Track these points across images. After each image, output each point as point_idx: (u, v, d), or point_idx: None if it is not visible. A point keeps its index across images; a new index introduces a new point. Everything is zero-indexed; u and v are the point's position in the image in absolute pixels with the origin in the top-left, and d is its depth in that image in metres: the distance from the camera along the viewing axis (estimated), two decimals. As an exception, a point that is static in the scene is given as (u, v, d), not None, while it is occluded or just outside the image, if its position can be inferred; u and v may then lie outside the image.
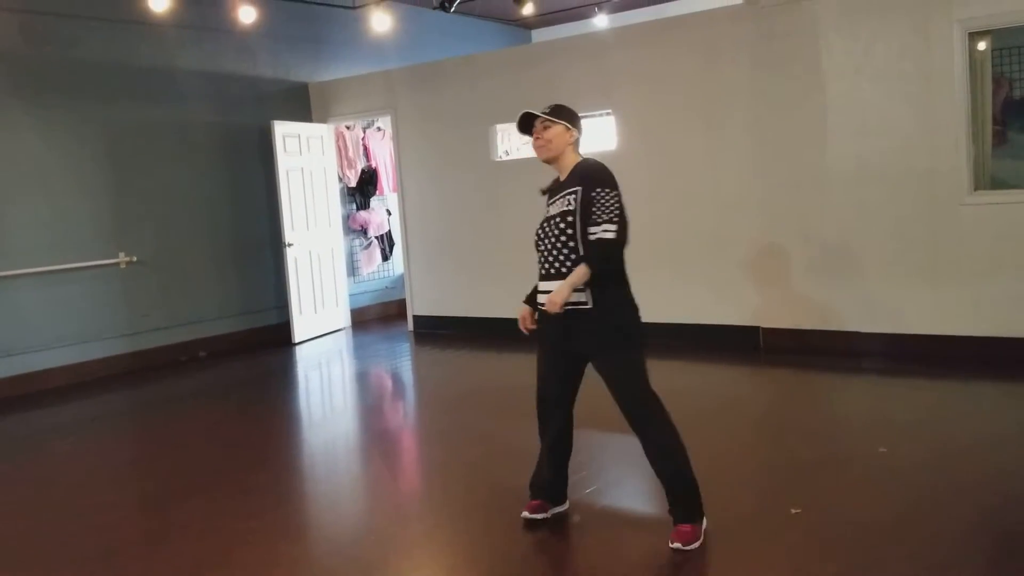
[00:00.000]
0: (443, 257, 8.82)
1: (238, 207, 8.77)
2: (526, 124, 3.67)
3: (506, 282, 8.23)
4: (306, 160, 9.05)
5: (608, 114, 7.80)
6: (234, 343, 8.63)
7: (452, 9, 8.74)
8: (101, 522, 4.15)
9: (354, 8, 9.47)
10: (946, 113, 6.09)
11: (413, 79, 8.91)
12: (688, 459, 3.49)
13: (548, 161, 3.60)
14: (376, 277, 10.25)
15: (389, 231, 10.19)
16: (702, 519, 3.49)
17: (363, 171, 9.84)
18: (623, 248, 3.45)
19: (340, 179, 9.64)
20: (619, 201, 3.42)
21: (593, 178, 3.45)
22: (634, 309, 3.54)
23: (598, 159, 3.62)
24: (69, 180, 7.42)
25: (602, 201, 3.38)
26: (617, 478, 4.34)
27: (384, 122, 9.80)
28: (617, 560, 3.40)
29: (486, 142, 8.44)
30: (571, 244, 3.43)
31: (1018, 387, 5.61)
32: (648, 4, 10.95)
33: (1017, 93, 6.30)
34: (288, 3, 8.98)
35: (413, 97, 8.88)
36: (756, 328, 7.04)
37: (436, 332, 8.85)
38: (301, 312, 8.89)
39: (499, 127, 8.47)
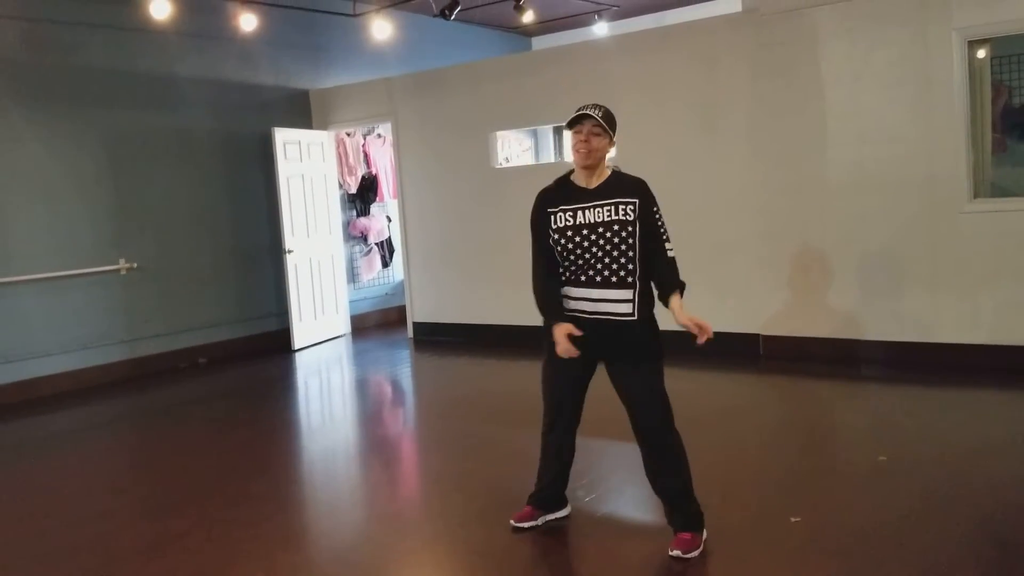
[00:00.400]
0: (443, 264, 8.82)
1: (238, 214, 8.78)
2: (574, 120, 3.55)
3: (506, 289, 8.24)
4: (306, 167, 9.07)
5: (608, 121, 7.80)
6: (234, 350, 8.63)
7: (452, 17, 8.76)
8: (100, 530, 4.15)
9: (355, 16, 9.50)
10: (945, 121, 6.10)
11: (413, 86, 8.93)
12: (690, 471, 3.51)
13: (585, 167, 3.53)
14: (376, 284, 10.25)
15: (389, 238, 10.20)
16: (703, 529, 3.49)
17: (363, 178, 9.85)
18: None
19: (340, 186, 9.65)
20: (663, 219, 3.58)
21: (648, 195, 3.54)
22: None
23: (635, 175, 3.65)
24: (70, 187, 7.43)
25: (662, 220, 3.53)
26: (617, 486, 4.33)
27: (384, 129, 9.82)
28: (617, 568, 3.40)
29: (486, 149, 8.45)
30: (629, 254, 3.43)
31: (1018, 395, 5.60)
32: (648, 12, 10.98)
33: (1016, 101, 6.31)
34: (289, 11, 9.00)
35: (413, 104, 8.90)
36: (756, 335, 7.04)
37: (436, 339, 8.85)
38: (301, 319, 8.89)
39: (499, 134, 8.48)
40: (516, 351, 7.66)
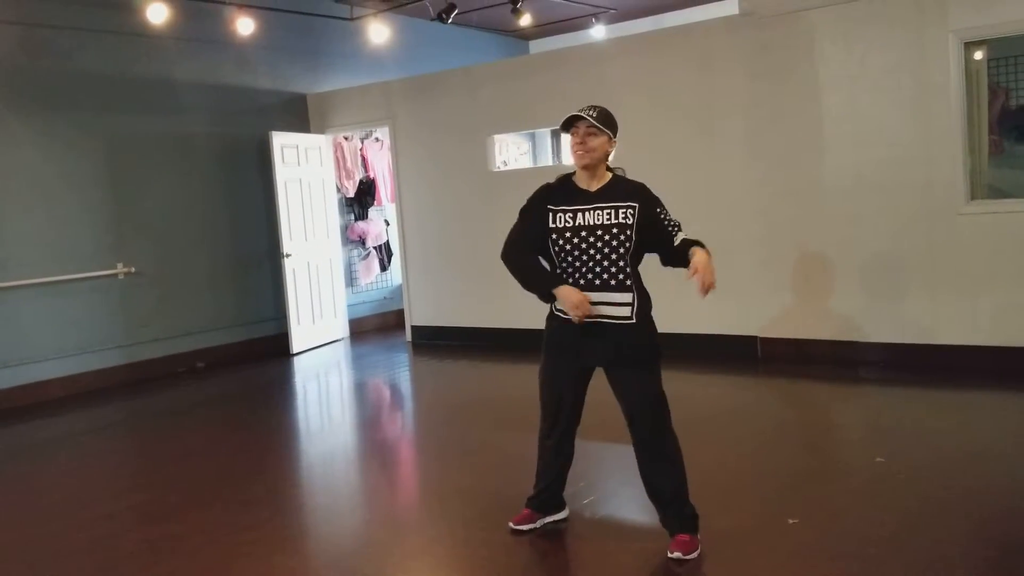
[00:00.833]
0: (441, 267, 8.82)
1: (236, 218, 8.77)
2: (569, 123, 3.56)
3: (504, 292, 8.22)
4: (304, 171, 9.07)
5: (605, 124, 7.80)
6: (232, 354, 8.62)
7: (449, 20, 8.77)
8: (98, 535, 4.14)
9: (352, 20, 9.50)
10: (942, 123, 6.11)
11: (411, 90, 8.94)
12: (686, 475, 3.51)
13: (584, 167, 3.53)
14: (374, 288, 10.25)
15: (387, 241, 10.20)
16: (697, 531, 3.49)
17: (361, 182, 9.85)
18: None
19: (338, 190, 9.65)
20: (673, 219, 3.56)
21: (650, 199, 3.52)
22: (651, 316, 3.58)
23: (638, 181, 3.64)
24: (68, 191, 7.43)
25: (670, 219, 3.54)
26: (616, 488, 4.33)
27: (382, 133, 9.82)
28: (616, 571, 3.40)
29: (484, 152, 8.46)
30: (627, 257, 3.45)
31: (1016, 396, 5.61)
32: (645, 15, 11.00)
33: (1013, 103, 6.31)
34: (286, 15, 9.01)
35: (411, 108, 8.90)
36: (754, 338, 7.04)
37: (434, 342, 8.85)
38: (299, 323, 8.88)
39: (497, 137, 8.49)
40: (515, 354, 7.66)
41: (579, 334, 3.48)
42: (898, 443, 4.75)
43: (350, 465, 5.35)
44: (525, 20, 9.58)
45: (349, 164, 9.71)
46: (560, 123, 3.57)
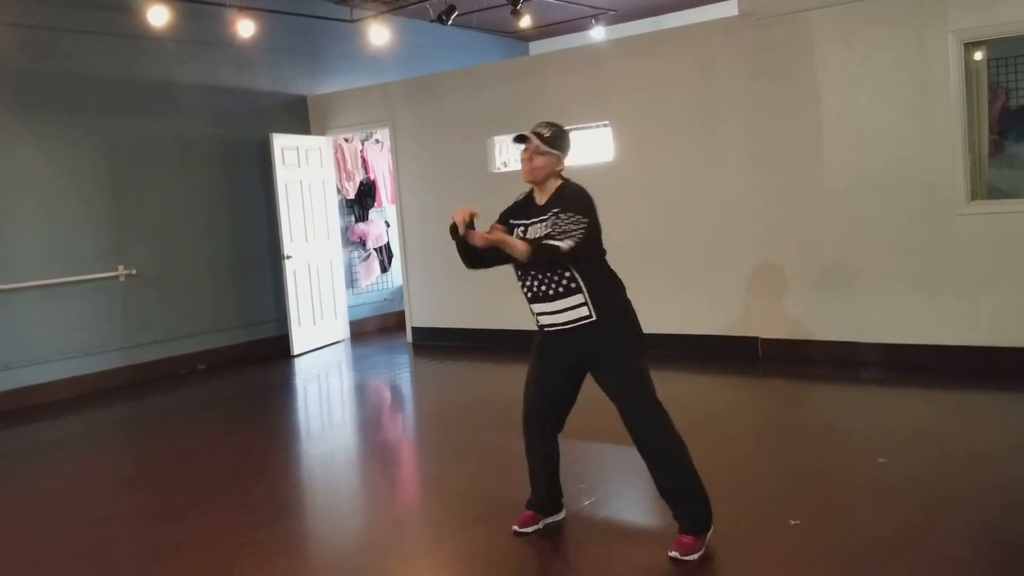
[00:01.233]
0: (442, 269, 8.81)
1: (237, 220, 8.78)
2: (521, 137, 3.62)
3: (505, 293, 8.22)
4: (305, 172, 9.07)
5: (605, 125, 7.82)
6: (233, 356, 8.62)
7: (449, 22, 8.77)
8: (99, 536, 4.15)
9: (352, 21, 9.51)
10: (942, 123, 6.11)
11: (411, 91, 8.94)
12: (696, 471, 3.51)
13: (529, 183, 3.62)
14: (375, 289, 10.25)
15: (388, 243, 10.20)
16: (708, 531, 3.48)
17: (362, 183, 9.86)
18: (567, 258, 3.40)
19: (339, 191, 9.65)
20: (583, 227, 3.39)
21: (569, 202, 3.47)
22: (634, 315, 3.59)
23: (580, 184, 3.61)
24: (69, 193, 7.43)
25: (565, 222, 3.39)
26: (617, 489, 4.33)
27: (382, 134, 9.83)
28: (617, 572, 3.40)
29: (484, 153, 8.46)
30: (559, 273, 3.46)
31: (1016, 397, 5.60)
32: (645, 16, 11.00)
33: (1013, 103, 6.32)
34: (286, 16, 9.01)
35: (411, 109, 8.91)
36: (754, 338, 7.04)
37: (435, 344, 8.85)
38: (300, 324, 8.89)
39: (497, 138, 8.49)
40: (515, 355, 7.65)
41: (559, 339, 3.56)
42: (899, 444, 4.75)
43: (351, 467, 5.35)
44: (525, 21, 9.58)
45: (349, 166, 9.72)
46: (515, 137, 3.60)
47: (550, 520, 3.84)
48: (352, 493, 4.81)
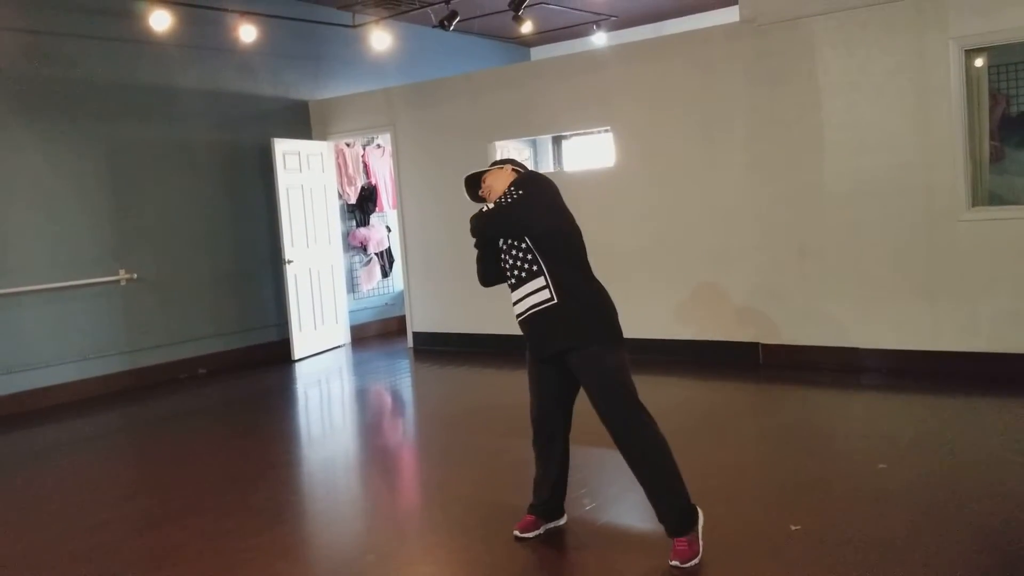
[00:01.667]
0: (443, 274, 8.83)
1: (238, 224, 8.79)
2: (473, 192, 4.00)
3: (506, 298, 8.23)
4: (306, 177, 9.08)
5: (607, 131, 7.83)
6: (234, 360, 8.63)
7: (451, 27, 8.79)
8: (100, 541, 4.14)
9: (354, 27, 9.53)
10: (943, 129, 6.12)
11: (413, 96, 8.96)
12: (675, 463, 3.48)
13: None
14: (376, 294, 10.26)
15: (389, 248, 10.21)
16: (696, 523, 3.46)
17: (363, 188, 9.87)
18: (484, 230, 3.75)
19: (340, 196, 9.67)
20: (514, 198, 3.61)
21: (513, 183, 3.71)
22: (604, 303, 3.60)
23: (538, 172, 3.86)
24: (70, 197, 7.45)
25: (506, 201, 3.63)
26: (617, 495, 4.33)
27: (384, 139, 9.84)
28: (616, 578, 3.40)
29: (485, 159, 8.46)
30: (527, 253, 3.56)
31: (1016, 403, 5.60)
32: (646, 22, 11.02)
33: (1014, 109, 6.32)
34: (288, 22, 9.03)
35: (413, 114, 8.92)
36: (755, 344, 7.04)
37: (436, 349, 8.85)
38: (301, 329, 8.89)
39: (498, 144, 8.50)
40: (516, 361, 7.64)
41: (528, 329, 3.63)
42: (900, 449, 4.75)
43: (351, 472, 5.35)
44: (526, 27, 9.58)
45: (351, 170, 9.73)
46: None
47: (551, 525, 3.85)
48: (353, 498, 4.81)
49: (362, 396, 7.46)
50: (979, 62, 6.18)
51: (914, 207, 6.26)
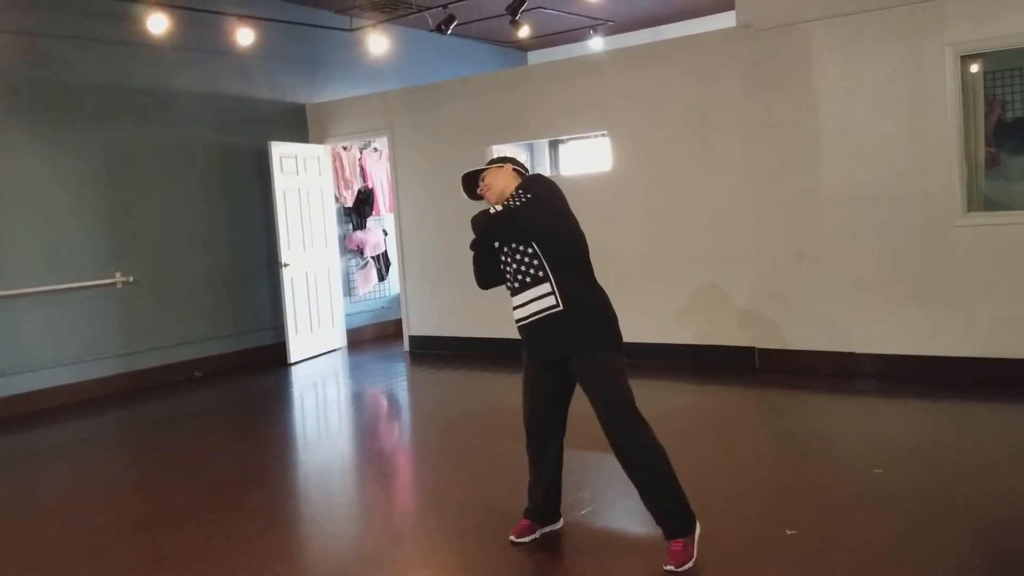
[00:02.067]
0: (439, 277, 8.83)
1: (235, 227, 8.79)
2: (471, 191, 3.89)
3: (502, 302, 8.22)
4: (303, 180, 9.08)
5: (603, 135, 7.84)
6: (230, 363, 8.62)
7: (448, 31, 8.80)
8: (96, 543, 4.14)
9: (351, 30, 9.54)
10: (939, 135, 6.13)
11: (410, 100, 8.96)
12: (672, 469, 3.49)
13: (500, 201, 3.68)
14: (372, 297, 10.26)
15: (385, 251, 10.21)
16: (694, 529, 3.48)
17: (360, 191, 9.87)
18: (490, 233, 3.66)
19: (337, 199, 9.67)
20: (522, 201, 3.54)
21: (520, 186, 3.63)
22: (607, 309, 3.60)
23: (544, 175, 3.79)
24: (67, 200, 7.44)
25: (514, 203, 3.56)
26: (613, 499, 4.33)
27: (381, 143, 9.85)
28: (613, 582, 3.40)
29: (483, 162, 8.43)
30: (533, 258, 3.52)
31: (1012, 408, 5.62)
32: (642, 27, 11.04)
33: (1009, 115, 6.34)
34: (285, 25, 9.03)
35: (410, 118, 8.93)
36: (751, 348, 7.05)
37: (432, 352, 8.85)
38: (297, 332, 8.89)
39: (495, 148, 8.51)
40: (513, 365, 7.64)
41: (530, 334, 3.59)
42: (896, 454, 4.75)
43: (347, 475, 5.34)
44: (524, 32, 9.61)
45: (348, 174, 9.73)
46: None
47: (547, 529, 3.85)
48: (348, 502, 4.80)
49: (358, 399, 7.45)
50: (975, 68, 6.20)
51: (910, 212, 6.28)
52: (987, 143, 6.32)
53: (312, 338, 9.10)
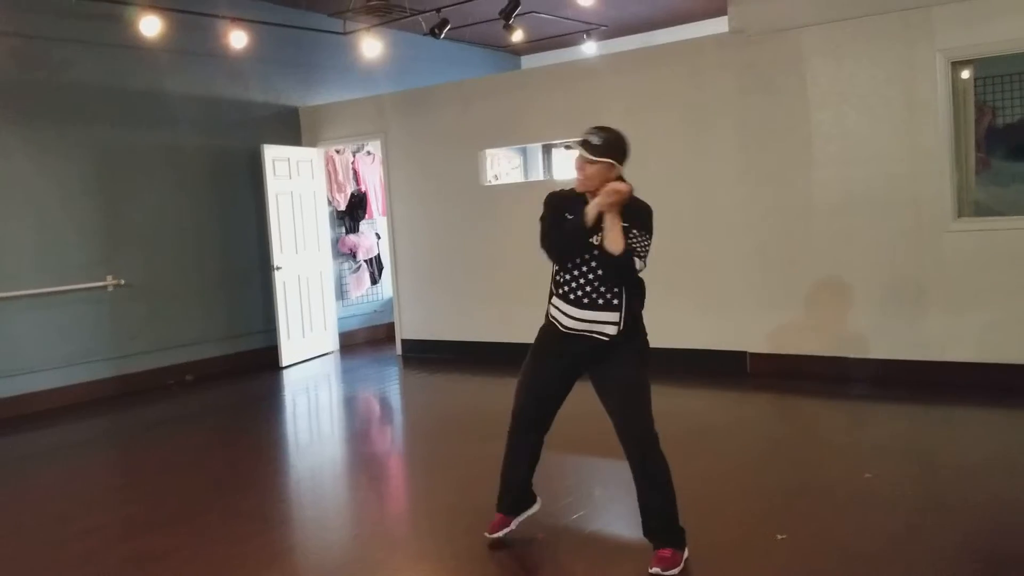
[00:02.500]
0: (432, 281, 8.83)
1: (227, 230, 8.77)
2: (617, 155, 3.53)
3: (495, 306, 8.25)
4: (295, 184, 9.07)
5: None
6: (221, 367, 8.60)
7: (442, 35, 8.81)
8: (86, 548, 4.12)
9: (345, 34, 9.54)
10: (930, 141, 6.16)
11: (403, 104, 8.97)
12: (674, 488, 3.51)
13: (583, 192, 3.51)
14: (365, 301, 10.25)
15: (378, 255, 10.20)
16: (685, 546, 3.49)
17: (353, 195, 9.87)
18: (633, 277, 3.54)
19: (329, 203, 9.66)
20: (648, 247, 3.49)
21: (638, 220, 3.46)
22: (644, 327, 3.64)
23: (644, 200, 3.55)
24: (58, 203, 7.41)
25: (636, 239, 3.43)
26: (604, 503, 4.34)
27: (374, 146, 9.84)
28: (604, 586, 3.40)
29: (475, 166, 8.48)
30: (609, 285, 3.48)
31: (1003, 412, 5.64)
32: (636, 32, 11.06)
33: (1000, 121, 6.38)
34: (279, 28, 9.03)
35: (403, 122, 8.93)
36: (743, 353, 7.06)
37: (424, 356, 8.84)
38: (289, 336, 8.87)
39: (488, 152, 8.52)
40: (505, 368, 7.65)
41: (564, 340, 3.54)
42: (887, 459, 4.77)
43: (339, 479, 5.34)
44: (517, 36, 9.62)
45: (341, 177, 9.73)
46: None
47: (523, 516, 3.85)
48: (340, 505, 4.79)
49: (350, 403, 7.44)
50: (965, 74, 6.23)
51: (902, 217, 6.30)
52: (978, 148, 6.36)
53: (304, 342, 9.09)
